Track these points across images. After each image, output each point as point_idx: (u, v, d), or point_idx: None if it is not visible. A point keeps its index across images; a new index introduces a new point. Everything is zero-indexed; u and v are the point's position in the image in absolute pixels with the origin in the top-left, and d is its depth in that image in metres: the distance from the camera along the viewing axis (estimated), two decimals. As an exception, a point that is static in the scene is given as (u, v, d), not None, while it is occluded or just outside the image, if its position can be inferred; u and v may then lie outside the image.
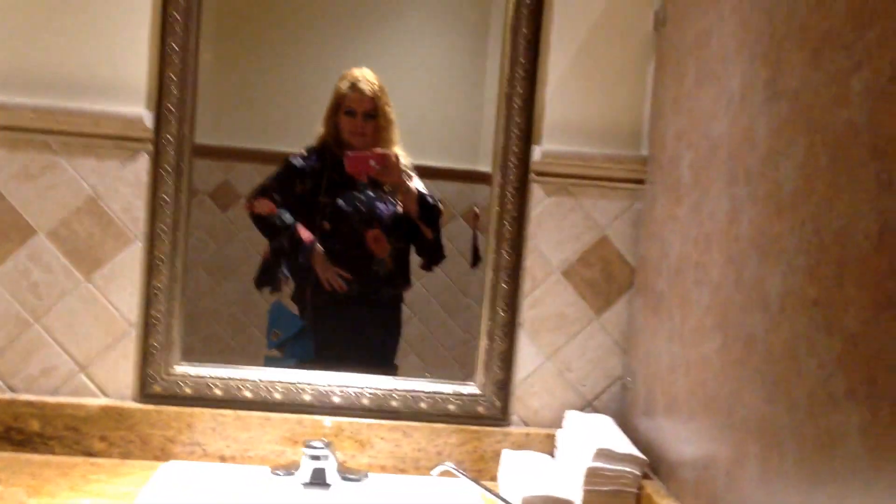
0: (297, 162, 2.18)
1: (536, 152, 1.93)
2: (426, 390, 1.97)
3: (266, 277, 2.20)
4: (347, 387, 1.94)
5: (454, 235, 2.22)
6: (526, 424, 1.98)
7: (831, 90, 1.06)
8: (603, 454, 1.68)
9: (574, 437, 1.82)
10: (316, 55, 2.24)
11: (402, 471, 1.92)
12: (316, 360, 2.11)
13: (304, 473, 1.79)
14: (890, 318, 0.89)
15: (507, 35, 1.92)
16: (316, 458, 1.78)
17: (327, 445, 1.79)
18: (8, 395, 1.87)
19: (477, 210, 2.18)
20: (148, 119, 1.86)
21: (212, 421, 1.89)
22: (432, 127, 2.25)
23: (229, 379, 1.93)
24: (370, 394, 1.95)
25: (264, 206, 2.16)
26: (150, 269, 1.90)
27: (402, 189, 2.16)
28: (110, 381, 1.90)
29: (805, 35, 1.15)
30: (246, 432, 1.90)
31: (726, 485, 1.34)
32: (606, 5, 1.92)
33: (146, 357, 1.91)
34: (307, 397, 1.93)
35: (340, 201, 2.17)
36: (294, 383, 1.94)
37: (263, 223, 2.18)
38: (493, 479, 1.90)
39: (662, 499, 1.60)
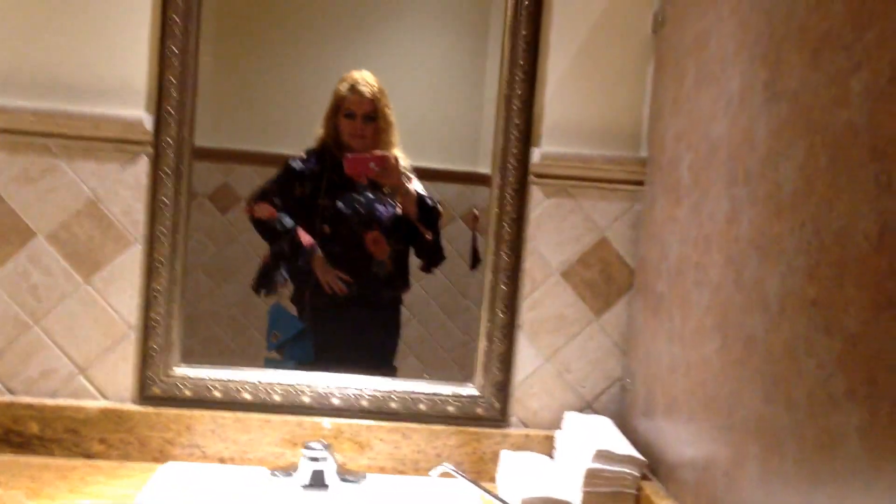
0: (297, 165, 2.18)
1: (536, 154, 1.94)
2: (425, 392, 1.97)
3: (263, 280, 2.20)
4: (347, 388, 1.95)
5: (453, 237, 2.22)
6: (525, 426, 1.99)
7: (831, 91, 1.06)
8: (602, 455, 1.68)
9: (573, 439, 1.82)
10: (315, 57, 2.24)
11: (402, 472, 1.92)
12: (315, 362, 2.11)
13: (304, 475, 1.79)
14: (889, 318, 0.90)
15: (506, 37, 1.93)
16: (315, 459, 1.78)
17: (326, 447, 1.79)
18: (7, 398, 1.87)
19: (476, 212, 2.18)
20: (148, 122, 1.86)
21: (211, 423, 1.89)
22: (432, 128, 2.25)
23: (229, 381, 1.93)
24: (369, 395, 1.95)
25: (264, 210, 2.16)
26: (150, 272, 1.90)
27: (401, 191, 2.16)
28: (110, 384, 1.90)
29: (804, 36, 1.15)
30: (245, 434, 1.90)
31: (726, 485, 1.34)
32: (605, 7, 1.92)
33: (145, 359, 1.91)
34: (306, 399, 1.93)
35: (340, 203, 2.17)
36: (293, 385, 1.94)
37: (263, 227, 2.18)
38: (492, 480, 1.90)
39: (662, 500, 1.60)
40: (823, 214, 1.06)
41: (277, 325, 2.18)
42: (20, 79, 1.84)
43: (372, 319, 2.23)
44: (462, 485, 1.79)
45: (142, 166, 1.87)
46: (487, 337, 1.97)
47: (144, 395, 1.92)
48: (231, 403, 1.92)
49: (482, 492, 1.75)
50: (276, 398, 1.93)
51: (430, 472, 1.81)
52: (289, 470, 1.83)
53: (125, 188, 1.87)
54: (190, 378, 1.92)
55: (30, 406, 1.86)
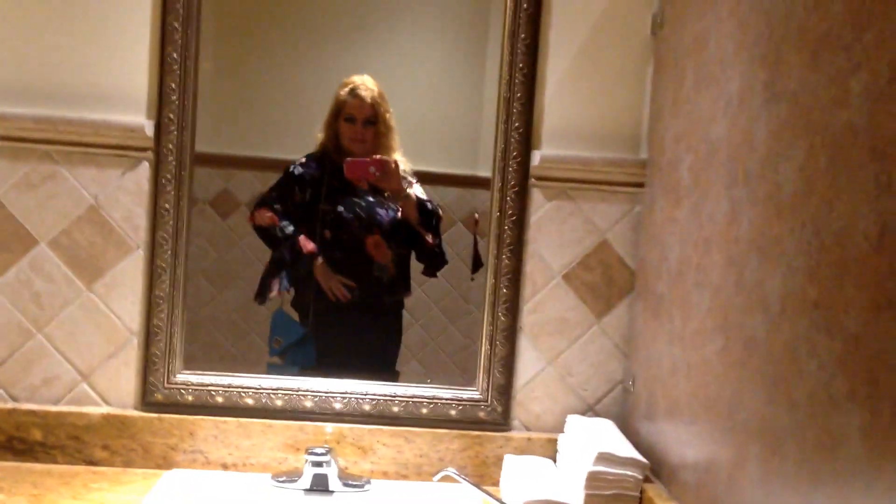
0: (297, 170, 2.18)
1: (536, 157, 1.94)
2: (427, 396, 1.97)
3: (264, 287, 2.20)
4: (349, 393, 1.95)
5: (454, 241, 2.22)
6: (527, 429, 1.98)
7: (830, 92, 1.06)
8: (604, 458, 1.67)
9: (575, 442, 1.82)
10: (315, 62, 2.24)
11: (404, 477, 1.92)
12: (317, 367, 2.11)
13: (306, 480, 1.79)
14: (890, 318, 0.90)
15: (505, 40, 1.93)
16: (318, 464, 1.79)
17: (329, 452, 1.79)
18: (10, 405, 1.87)
19: (477, 216, 2.18)
20: (148, 128, 1.86)
21: (213, 429, 1.89)
22: (432, 131, 2.25)
23: (230, 386, 1.93)
24: (371, 400, 1.95)
25: (265, 216, 2.16)
26: (152, 278, 1.90)
27: (401, 195, 2.16)
28: (112, 390, 1.90)
29: (803, 36, 1.15)
30: (248, 440, 1.90)
31: (727, 487, 1.34)
32: (604, 9, 1.92)
33: (148, 365, 1.92)
34: (308, 404, 1.94)
35: (340, 208, 2.17)
36: (295, 390, 1.94)
37: (265, 234, 2.18)
38: (495, 484, 1.90)
39: (664, 502, 1.60)
40: (823, 215, 1.06)
41: (280, 331, 2.18)
42: (21, 86, 1.84)
43: (374, 324, 2.24)
44: (465, 489, 1.79)
45: (143, 172, 1.87)
46: (489, 340, 1.97)
47: (147, 401, 1.92)
48: (233, 409, 1.92)
49: (485, 495, 1.75)
50: (278, 403, 1.93)
51: (433, 477, 1.81)
52: (292, 475, 1.83)
53: (126, 194, 1.87)
54: (192, 384, 1.93)
55: (33, 413, 1.86)
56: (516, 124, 1.93)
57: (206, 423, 1.89)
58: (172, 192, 1.89)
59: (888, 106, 0.92)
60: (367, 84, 2.14)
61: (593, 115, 1.94)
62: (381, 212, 2.18)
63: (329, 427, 1.91)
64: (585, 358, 1.98)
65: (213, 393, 1.92)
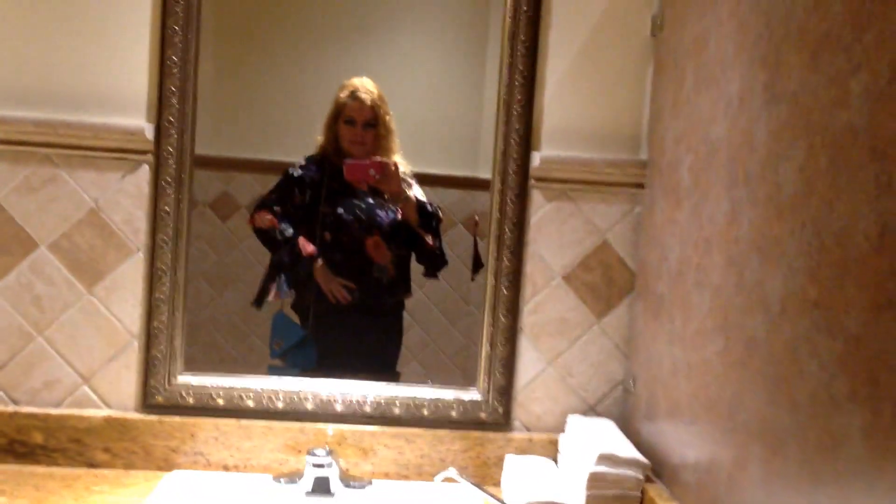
0: (296, 172, 2.18)
1: (536, 158, 1.94)
2: (428, 397, 1.97)
3: (264, 291, 2.20)
4: (349, 394, 1.95)
5: (454, 242, 2.22)
6: (528, 430, 1.99)
7: (830, 92, 1.06)
8: (605, 458, 1.68)
9: (576, 442, 1.82)
10: (315, 65, 2.24)
11: (406, 478, 1.92)
12: (318, 369, 2.11)
13: (308, 482, 1.79)
14: (891, 318, 0.90)
15: (505, 41, 1.93)
16: (319, 466, 1.79)
17: (330, 453, 1.79)
18: (11, 408, 1.87)
19: (477, 217, 2.18)
20: (148, 131, 1.86)
21: (214, 430, 1.89)
22: (432, 134, 2.25)
23: (231, 388, 1.93)
24: (372, 401, 1.95)
25: (265, 219, 2.16)
26: (152, 280, 1.90)
27: (401, 197, 2.16)
28: (113, 393, 1.90)
29: (803, 37, 1.16)
30: (249, 441, 1.90)
31: (728, 487, 1.34)
32: (604, 10, 1.93)
33: (148, 368, 1.92)
34: (309, 406, 1.94)
35: (340, 210, 2.17)
36: (296, 392, 1.94)
37: (265, 237, 2.18)
38: (497, 484, 1.90)
39: (665, 502, 1.61)
40: (824, 215, 1.06)
41: (280, 333, 2.18)
42: (21, 89, 1.84)
43: (374, 326, 2.24)
44: (466, 489, 1.79)
45: (143, 175, 1.87)
46: (489, 341, 1.97)
47: (148, 403, 1.92)
48: (234, 411, 1.92)
49: (487, 496, 1.76)
50: (279, 405, 1.93)
51: (434, 478, 1.81)
52: (293, 477, 1.83)
53: (126, 197, 1.87)
54: (193, 386, 1.93)
55: (34, 416, 1.86)
56: (516, 126, 1.93)
57: (206, 425, 1.89)
58: (172, 195, 1.89)
59: (888, 106, 0.92)
60: (366, 86, 2.14)
61: (593, 116, 1.95)
62: (381, 213, 2.19)
63: (330, 428, 1.91)
64: (586, 358, 1.98)
65: (213, 395, 1.92)
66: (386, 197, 2.18)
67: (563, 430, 1.95)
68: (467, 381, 2.02)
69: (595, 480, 1.67)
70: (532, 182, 1.95)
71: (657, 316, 1.78)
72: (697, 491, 1.50)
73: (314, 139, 2.18)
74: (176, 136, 1.88)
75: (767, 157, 1.25)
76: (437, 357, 2.25)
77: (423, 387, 1.99)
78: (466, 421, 1.97)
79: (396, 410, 1.95)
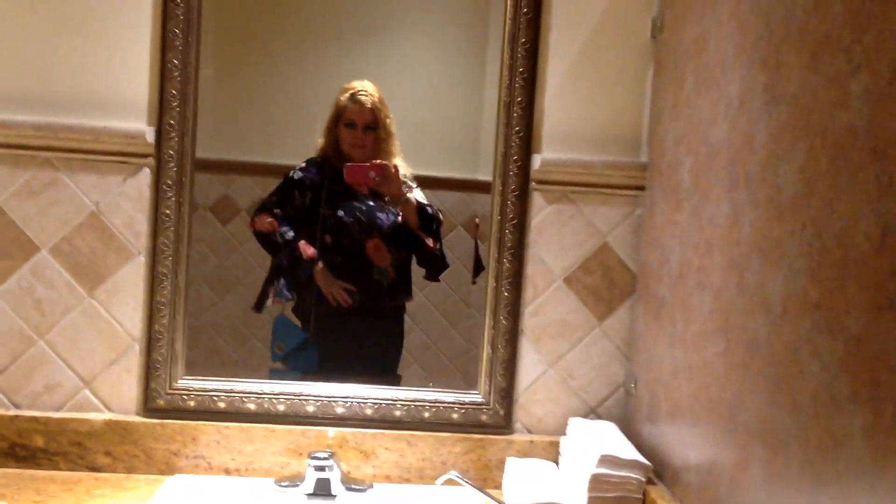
0: (297, 175, 2.18)
1: (536, 160, 1.94)
2: (429, 399, 1.97)
3: (264, 295, 2.21)
4: (351, 397, 1.95)
5: (455, 245, 2.22)
6: (530, 432, 1.99)
7: (830, 93, 1.06)
8: (607, 460, 1.67)
9: (578, 444, 1.82)
10: (315, 67, 2.25)
11: (407, 480, 1.92)
12: (319, 372, 2.11)
13: (309, 484, 1.79)
14: (892, 319, 0.90)
15: (505, 44, 1.93)
16: (320, 468, 1.79)
17: (331, 456, 1.80)
18: (12, 412, 1.87)
19: (477, 219, 2.18)
20: (149, 134, 1.86)
21: (216, 434, 1.89)
22: (432, 136, 2.25)
23: (233, 392, 1.93)
24: (373, 404, 1.95)
25: (265, 223, 2.17)
26: (153, 284, 1.91)
27: (401, 200, 2.16)
28: (114, 396, 1.90)
29: (803, 38, 1.16)
30: (250, 445, 1.90)
31: (730, 488, 1.34)
32: (604, 13, 1.93)
33: (150, 371, 1.92)
34: (311, 408, 1.94)
35: (340, 212, 2.17)
36: (297, 395, 1.94)
37: (265, 240, 2.19)
38: (498, 487, 1.90)
39: (667, 504, 1.61)
40: (824, 216, 1.06)
41: (281, 336, 2.18)
42: (22, 93, 1.84)
43: (375, 328, 2.24)
44: (468, 492, 1.79)
45: (144, 179, 1.87)
46: (491, 344, 1.97)
47: (149, 407, 1.92)
48: (235, 414, 1.92)
49: (488, 498, 1.76)
50: (281, 408, 1.93)
51: (435, 480, 1.81)
52: (294, 480, 1.83)
53: (127, 201, 1.87)
54: (194, 389, 1.93)
55: (35, 420, 1.86)
56: (517, 128, 1.94)
57: (208, 429, 1.89)
58: (173, 198, 1.89)
59: (888, 107, 0.93)
60: (367, 90, 2.14)
61: (593, 118, 1.95)
62: (382, 216, 2.19)
63: (331, 431, 1.91)
64: (587, 360, 1.98)
65: (215, 398, 1.92)
66: (386, 199, 2.18)
67: (564, 433, 1.94)
68: (468, 383, 2.02)
69: (597, 482, 1.67)
70: (532, 184, 1.95)
71: (658, 318, 1.78)
72: (699, 492, 1.50)
73: (314, 142, 2.19)
74: (177, 139, 1.88)
75: (768, 158, 1.25)
76: (437, 359, 2.25)
77: (425, 389, 2.00)
78: (467, 423, 1.97)
79: (397, 413, 1.96)
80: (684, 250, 1.64)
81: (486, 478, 1.93)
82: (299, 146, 2.21)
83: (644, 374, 1.86)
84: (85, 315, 1.88)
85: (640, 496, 1.68)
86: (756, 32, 1.33)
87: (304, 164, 2.19)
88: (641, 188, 1.95)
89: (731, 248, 1.38)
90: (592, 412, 1.99)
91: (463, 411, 1.97)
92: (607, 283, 1.98)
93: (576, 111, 1.94)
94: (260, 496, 1.80)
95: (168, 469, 1.88)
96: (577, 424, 1.91)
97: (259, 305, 2.20)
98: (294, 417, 1.93)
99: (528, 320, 1.97)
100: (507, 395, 1.98)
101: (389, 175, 2.12)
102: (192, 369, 1.96)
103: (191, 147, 1.90)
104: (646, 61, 1.94)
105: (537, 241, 1.96)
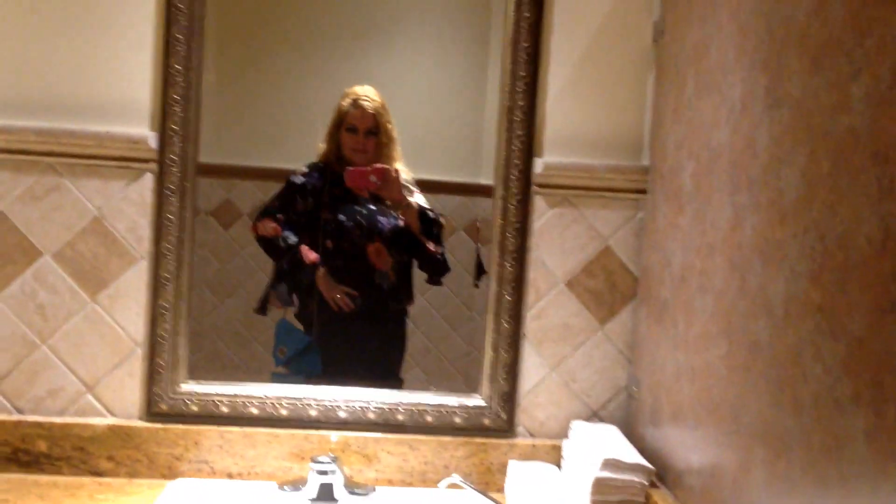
0: (298, 179, 2.19)
1: (538, 164, 1.94)
2: (432, 403, 1.97)
3: (263, 298, 2.21)
4: (353, 401, 1.95)
5: (456, 249, 2.23)
6: (532, 436, 1.99)
7: (832, 97, 1.07)
8: (610, 464, 1.68)
9: (580, 448, 1.82)
10: (316, 72, 2.25)
11: (409, 484, 1.92)
12: (322, 376, 2.11)
13: (312, 489, 1.79)
14: (894, 321, 0.90)
15: (507, 48, 1.93)
16: (323, 473, 1.79)
17: (334, 460, 1.80)
18: (15, 417, 1.87)
19: (479, 223, 2.19)
20: (152, 139, 1.87)
21: (218, 438, 1.89)
22: (434, 140, 2.26)
23: (235, 396, 1.93)
24: (376, 408, 1.95)
25: (268, 228, 2.17)
26: (156, 288, 1.91)
27: (402, 204, 2.17)
28: (117, 401, 1.90)
29: (804, 42, 1.16)
30: (253, 449, 1.90)
31: (733, 491, 1.34)
32: (605, 17, 1.93)
33: (152, 376, 1.92)
34: (313, 412, 1.94)
35: (342, 216, 2.18)
36: (300, 399, 1.94)
37: (268, 245, 2.19)
38: (501, 490, 1.90)
39: (670, 507, 1.61)
40: (826, 219, 1.06)
41: (284, 340, 2.18)
42: (24, 98, 1.85)
43: (377, 332, 2.24)
44: (470, 496, 1.79)
45: (146, 183, 1.88)
46: (493, 347, 1.98)
47: (152, 411, 1.92)
48: (238, 418, 1.92)
49: (491, 502, 1.76)
50: (283, 412, 1.93)
51: (438, 484, 1.81)
52: (297, 484, 1.83)
53: (130, 205, 1.87)
54: (197, 394, 1.93)
55: (38, 424, 1.86)
56: (518, 132, 1.94)
57: (211, 433, 1.89)
58: (176, 203, 1.89)
59: (889, 110, 0.93)
60: (368, 95, 2.15)
61: (595, 122, 1.95)
62: (383, 220, 2.19)
63: (334, 435, 1.91)
64: (589, 364, 1.98)
65: (217, 402, 1.93)
66: (387, 203, 2.18)
67: (566, 436, 1.95)
68: (469, 386, 2.02)
69: (599, 486, 1.67)
70: (534, 188, 1.95)
71: (660, 321, 1.78)
72: (702, 495, 1.50)
73: (316, 146, 2.19)
74: (179, 144, 1.88)
75: (769, 161, 1.26)
76: (439, 363, 2.25)
77: (427, 393, 2.00)
78: (470, 427, 1.97)
79: (400, 417, 1.96)
80: (686, 253, 1.64)
81: (489, 481, 1.93)
82: (301, 151, 2.22)
83: (646, 377, 1.86)
84: (88, 320, 1.88)
85: (643, 499, 1.68)
86: (757, 36, 1.34)
87: (305, 169, 2.19)
88: (643, 192, 1.95)
89: (733, 251, 1.39)
90: (595, 415, 1.99)
91: (465, 415, 1.97)
92: (609, 287, 1.98)
93: (577, 115, 1.94)
94: (263, 501, 1.81)
95: (171, 473, 1.88)
96: (579, 428, 1.91)
97: (262, 308, 2.20)
98: (297, 421, 1.93)
99: (530, 324, 1.97)
100: (509, 398, 1.98)
101: (390, 179, 2.12)
102: (195, 373, 1.96)
103: (193, 152, 1.91)
104: (647, 65, 1.95)
105: (539, 244, 1.96)
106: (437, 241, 2.20)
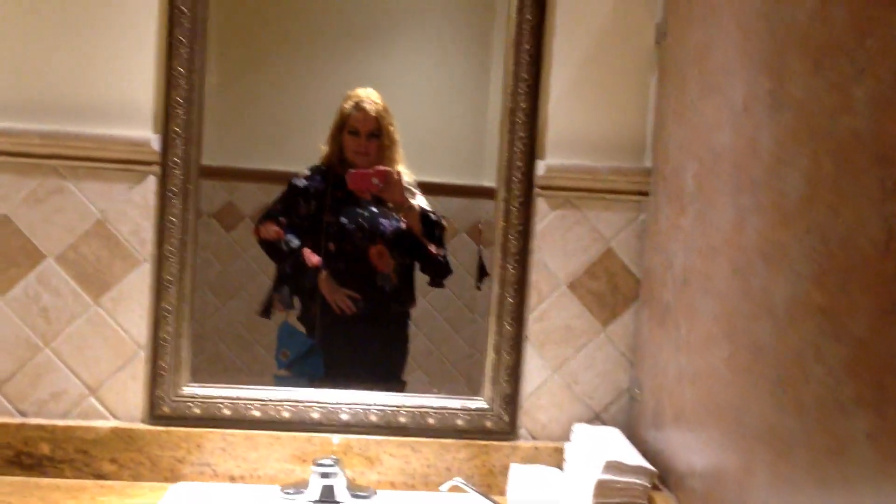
0: (300, 182, 2.19)
1: (540, 166, 1.94)
2: (434, 406, 1.97)
3: (269, 302, 2.21)
4: (355, 404, 1.95)
5: (458, 251, 2.23)
6: (534, 438, 1.99)
7: (834, 98, 1.07)
8: (612, 466, 1.67)
9: (583, 450, 1.82)
10: (319, 74, 2.25)
11: (412, 487, 1.92)
12: (324, 378, 2.11)
13: (314, 491, 1.79)
14: (897, 323, 0.90)
15: (509, 50, 1.94)
16: (325, 475, 1.79)
17: (336, 463, 1.80)
18: (18, 420, 1.87)
19: (481, 225, 2.19)
20: (155, 142, 1.87)
21: (221, 441, 1.89)
22: (436, 143, 2.26)
23: (237, 399, 1.93)
24: (378, 410, 1.95)
25: (271, 231, 2.17)
26: (159, 291, 1.91)
27: (404, 206, 2.17)
28: (120, 404, 1.90)
29: (807, 44, 1.16)
30: (255, 452, 1.90)
31: (736, 494, 1.34)
32: (608, 19, 1.93)
33: (155, 378, 1.92)
34: (315, 415, 1.94)
35: (344, 219, 2.18)
36: (302, 401, 1.94)
37: (270, 248, 2.19)
38: (503, 493, 1.89)
39: (673, 509, 1.61)
40: (829, 221, 1.06)
41: (286, 343, 2.18)
42: (27, 101, 1.85)
43: (380, 335, 2.24)
44: (472, 498, 1.79)
45: (149, 186, 1.88)
46: (495, 349, 1.98)
47: (154, 414, 1.92)
48: (240, 421, 1.92)
49: (493, 505, 1.76)
50: (285, 415, 1.93)
51: (440, 487, 1.81)
52: (299, 486, 1.83)
53: (133, 208, 1.88)
54: (199, 396, 1.93)
55: (40, 427, 1.86)
56: (520, 134, 1.94)
57: (213, 436, 1.89)
58: (179, 205, 1.89)
59: (892, 111, 0.93)
60: (371, 97, 2.15)
61: (597, 124, 1.95)
62: (385, 222, 2.19)
63: (336, 438, 1.91)
64: (591, 366, 1.98)
65: (220, 405, 1.93)
66: (389, 206, 2.18)
67: (568, 439, 1.94)
68: (471, 389, 2.02)
69: (602, 488, 1.67)
70: (536, 190, 1.95)
71: (663, 323, 1.78)
72: (704, 497, 1.50)
73: (318, 149, 2.19)
74: (182, 146, 1.89)
75: (772, 163, 1.26)
76: (441, 365, 2.25)
77: (429, 395, 2.00)
78: (472, 429, 1.97)
79: (402, 419, 1.96)
80: (689, 255, 1.64)
81: (491, 484, 1.93)
82: (302, 153, 2.22)
83: (649, 379, 1.86)
84: (91, 322, 1.88)
85: (645, 502, 1.68)
86: (759, 38, 1.34)
87: (307, 172, 2.19)
88: (645, 193, 1.95)
89: (736, 252, 1.39)
90: (597, 418, 1.99)
91: (468, 417, 1.97)
92: (611, 289, 1.98)
93: (579, 117, 1.94)
94: (265, 503, 1.81)
95: (173, 476, 1.88)
96: (581, 430, 1.91)
97: (266, 312, 2.20)
98: (299, 424, 1.93)
99: (533, 326, 1.97)
100: (511, 401, 1.98)
101: (392, 181, 2.13)
102: (197, 376, 1.96)
103: (196, 154, 1.91)
104: (649, 67, 1.95)
105: (541, 246, 1.96)
106: (439, 243, 2.21)
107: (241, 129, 2.24)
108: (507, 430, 1.98)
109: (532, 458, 1.95)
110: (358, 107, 2.15)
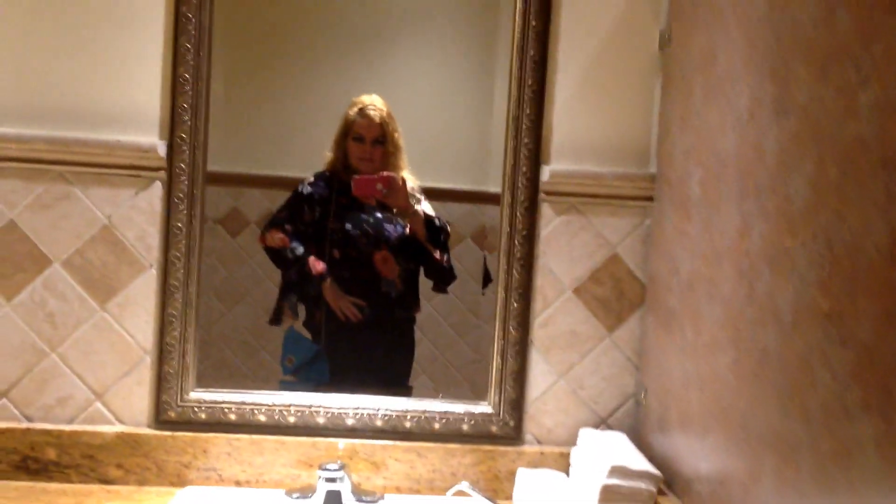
0: (306, 189, 2.20)
1: (545, 172, 1.95)
2: (439, 411, 1.97)
3: (274, 311, 2.22)
4: (361, 409, 1.95)
5: (463, 256, 2.23)
6: (540, 443, 1.99)
7: (839, 104, 1.07)
8: (618, 471, 1.68)
9: (588, 455, 1.82)
10: (323, 81, 2.26)
11: (417, 492, 1.92)
12: (330, 384, 2.11)
13: (320, 496, 1.79)
14: (903, 328, 0.90)
15: (514, 56, 1.94)
16: (331, 480, 1.79)
17: (342, 468, 1.80)
18: (24, 425, 1.87)
19: (486, 232, 2.19)
20: (161, 148, 1.87)
21: (227, 446, 1.90)
22: (441, 149, 2.26)
23: (243, 403, 1.93)
24: (384, 415, 1.95)
25: (276, 239, 2.18)
26: (165, 296, 1.91)
27: (408, 212, 2.17)
28: (126, 409, 1.91)
29: (812, 50, 1.16)
30: (261, 456, 1.90)
31: (742, 499, 1.34)
32: (612, 25, 1.94)
33: (161, 383, 1.92)
34: (321, 420, 1.94)
35: (348, 225, 2.18)
36: (308, 406, 1.94)
37: (276, 256, 2.20)
38: (509, 498, 1.90)
39: (679, 514, 1.61)
40: (834, 227, 1.06)
41: (292, 350, 2.18)
42: (33, 108, 1.85)
43: (385, 340, 2.24)
44: (478, 503, 1.79)
45: (155, 192, 1.88)
46: (500, 355, 1.98)
47: (160, 419, 1.92)
48: (246, 426, 1.93)
49: (499, 510, 1.76)
50: (291, 420, 1.93)
51: (446, 492, 1.81)
52: (305, 491, 1.84)
53: (139, 214, 1.88)
54: (205, 401, 1.93)
55: (47, 432, 1.86)
56: (525, 140, 1.94)
57: (219, 441, 1.90)
58: (185, 211, 1.90)
59: (897, 118, 0.93)
60: (375, 104, 2.16)
61: (602, 129, 1.95)
62: (389, 227, 2.20)
63: (342, 443, 1.91)
64: (597, 371, 1.98)
65: (226, 410, 1.93)
66: (394, 212, 2.19)
67: (574, 444, 1.94)
68: (476, 394, 2.02)
69: (607, 493, 1.67)
70: (541, 196, 1.96)
71: (668, 328, 1.78)
72: (710, 502, 1.50)
73: (322, 155, 2.20)
74: (188, 152, 1.89)
75: (777, 169, 1.26)
76: (446, 371, 2.25)
77: (435, 400, 2.00)
78: (478, 434, 1.97)
79: (408, 424, 1.96)
80: (694, 261, 1.64)
81: (497, 489, 1.93)
82: (307, 159, 2.22)
83: (654, 384, 1.86)
84: (97, 328, 1.89)
85: (651, 507, 1.68)
86: (764, 44, 1.34)
87: (312, 179, 2.20)
88: (650, 199, 1.95)
89: (741, 258, 1.39)
90: (603, 423, 1.99)
91: (473, 422, 1.97)
92: (617, 294, 1.98)
93: (584, 123, 1.95)
94: (271, 508, 1.81)
95: (179, 481, 1.89)
96: (587, 435, 1.91)
97: (276, 319, 2.20)
98: (305, 429, 1.93)
99: (538, 331, 1.97)
100: (517, 406, 1.98)
101: (397, 187, 2.13)
102: (203, 381, 1.96)
103: (202, 160, 1.91)
104: (654, 73, 1.95)
105: (546, 252, 1.96)
106: (444, 248, 2.21)
107: (247, 136, 2.24)
108: (513, 436, 1.98)
109: (538, 462, 1.95)
110: (362, 113, 2.16)
